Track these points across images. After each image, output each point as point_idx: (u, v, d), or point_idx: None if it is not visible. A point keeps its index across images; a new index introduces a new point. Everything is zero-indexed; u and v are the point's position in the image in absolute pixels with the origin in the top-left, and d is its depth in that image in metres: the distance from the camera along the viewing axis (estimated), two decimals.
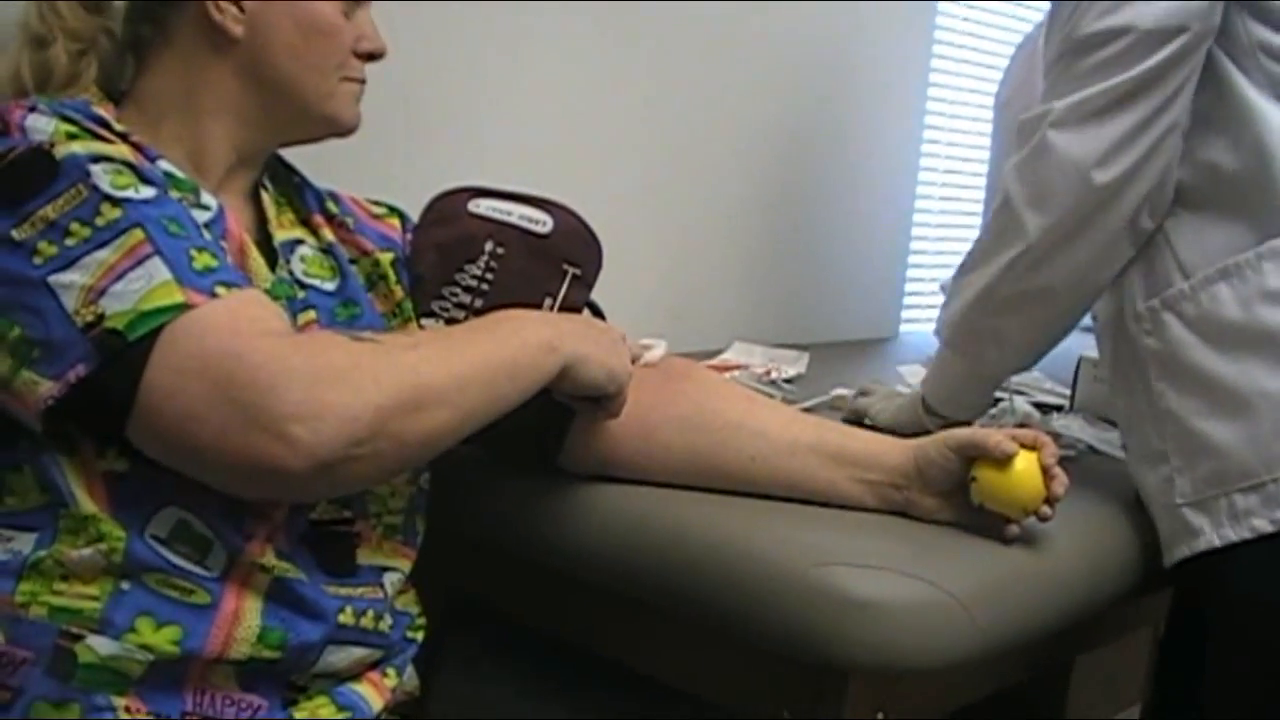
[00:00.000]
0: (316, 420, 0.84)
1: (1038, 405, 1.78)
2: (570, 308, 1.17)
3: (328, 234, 1.12)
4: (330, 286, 1.09)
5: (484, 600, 1.35)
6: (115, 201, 0.88)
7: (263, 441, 0.84)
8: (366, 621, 1.03)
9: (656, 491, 1.18)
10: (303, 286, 1.07)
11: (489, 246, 1.16)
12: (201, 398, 0.84)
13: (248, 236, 1.03)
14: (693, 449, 1.19)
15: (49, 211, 0.86)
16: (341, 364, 0.88)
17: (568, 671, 1.31)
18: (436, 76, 1.67)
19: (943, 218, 2.70)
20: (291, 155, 1.16)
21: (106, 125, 0.96)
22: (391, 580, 1.07)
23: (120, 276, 0.85)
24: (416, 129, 1.64)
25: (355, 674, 1.04)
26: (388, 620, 1.05)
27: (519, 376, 0.99)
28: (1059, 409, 1.78)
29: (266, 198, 1.10)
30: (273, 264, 1.05)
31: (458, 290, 1.16)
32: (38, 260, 0.86)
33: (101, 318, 0.85)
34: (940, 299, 2.23)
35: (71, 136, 0.92)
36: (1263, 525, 1.15)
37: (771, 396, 1.62)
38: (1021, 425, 1.52)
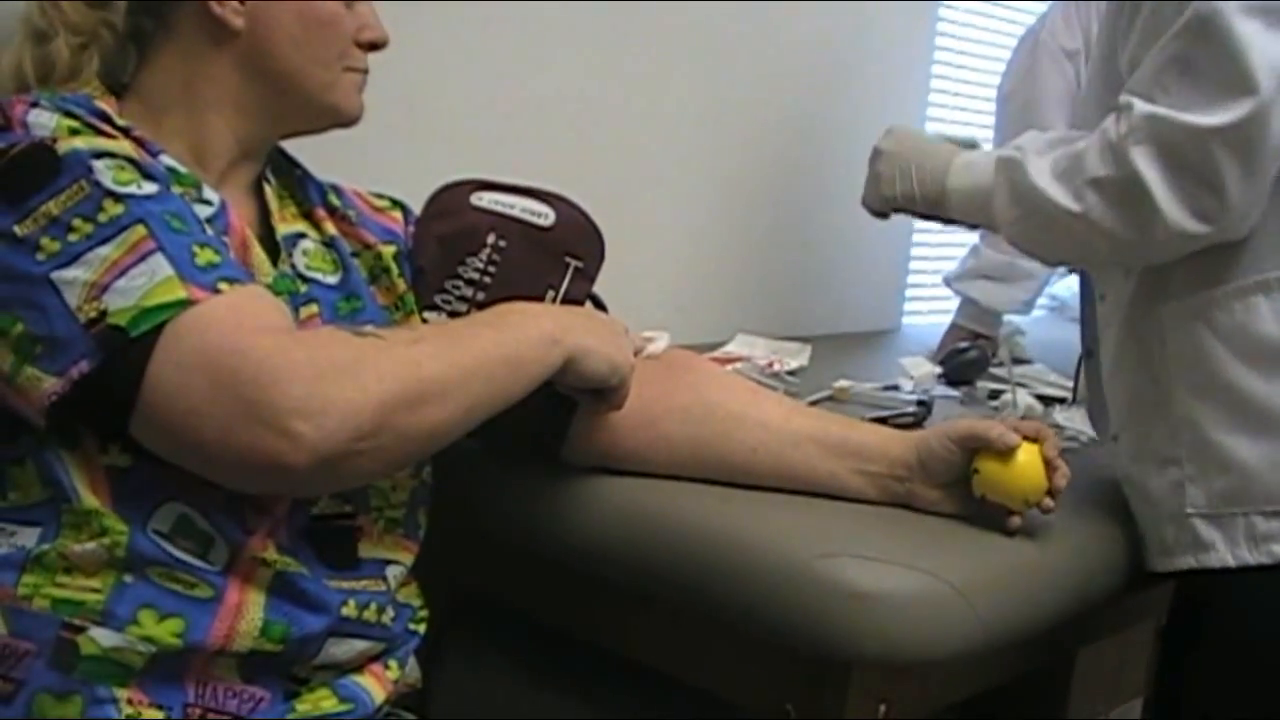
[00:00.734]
0: (319, 415, 0.84)
1: (1040, 398, 1.79)
2: (572, 300, 1.17)
3: (330, 227, 1.12)
4: (332, 280, 1.09)
5: (486, 593, 1.36)
6: (117, 197, 0.88)
7: (266, 437, 0.84)
8: (369, 614, 1.03)
9: (659, 483, 1.19)
10: (305, 280, 1.07)
11: (491, 239, 1.16)
12: (204, 393, 0.84)
13: (250, 231, 1.03)
14: (695, 441, 1.20)
15: (51, 207, 0.87)
16: (344, 359, 0.88)
17: (570, 664, 1.32)
18: (439, 69, 1.67)
19: None
20: (294, 149, 1.16)
21: (109, 120, 0.96)
22: (394, 573, 1.07)
23: (123, 273, 0.86)
24: (419, 122, 1.64)
25: (357, 666, 1.04)
26: (390, 613, 1.05)
27: (521, 369, 0.99)
28: (1061, 401, 1.78)
29: (269, 191, 1.10)
30: (275, 258, 1.05)
31: (460, 283, 1.16)
32: (40, 256, 0.86)
33: (104, 314, 0.85)
34: (943, 291, 2.24)
35: (74, 132, 0.92)
36: None
37: (774, 389, 1.62)
38: (1024, 418, 1.52)
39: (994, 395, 1.85)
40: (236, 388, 0.84)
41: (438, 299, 1.16)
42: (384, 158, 1.47)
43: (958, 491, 1.17)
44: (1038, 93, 2.00)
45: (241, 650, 0.94)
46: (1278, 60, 1.06)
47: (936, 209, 1.36)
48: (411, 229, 1.20)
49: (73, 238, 0.86)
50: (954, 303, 2.19)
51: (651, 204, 2.01)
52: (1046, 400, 1.78)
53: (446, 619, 1.23)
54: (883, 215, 1.45)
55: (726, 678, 1.15)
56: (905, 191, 1.36)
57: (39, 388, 0.86)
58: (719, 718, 1.17)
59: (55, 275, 0.85)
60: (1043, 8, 2.16)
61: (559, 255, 1.17)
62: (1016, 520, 1.14)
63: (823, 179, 2.30)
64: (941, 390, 1.85)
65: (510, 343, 0.99)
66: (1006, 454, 1.12)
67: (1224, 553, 1.15)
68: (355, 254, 1.13)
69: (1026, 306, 2.13)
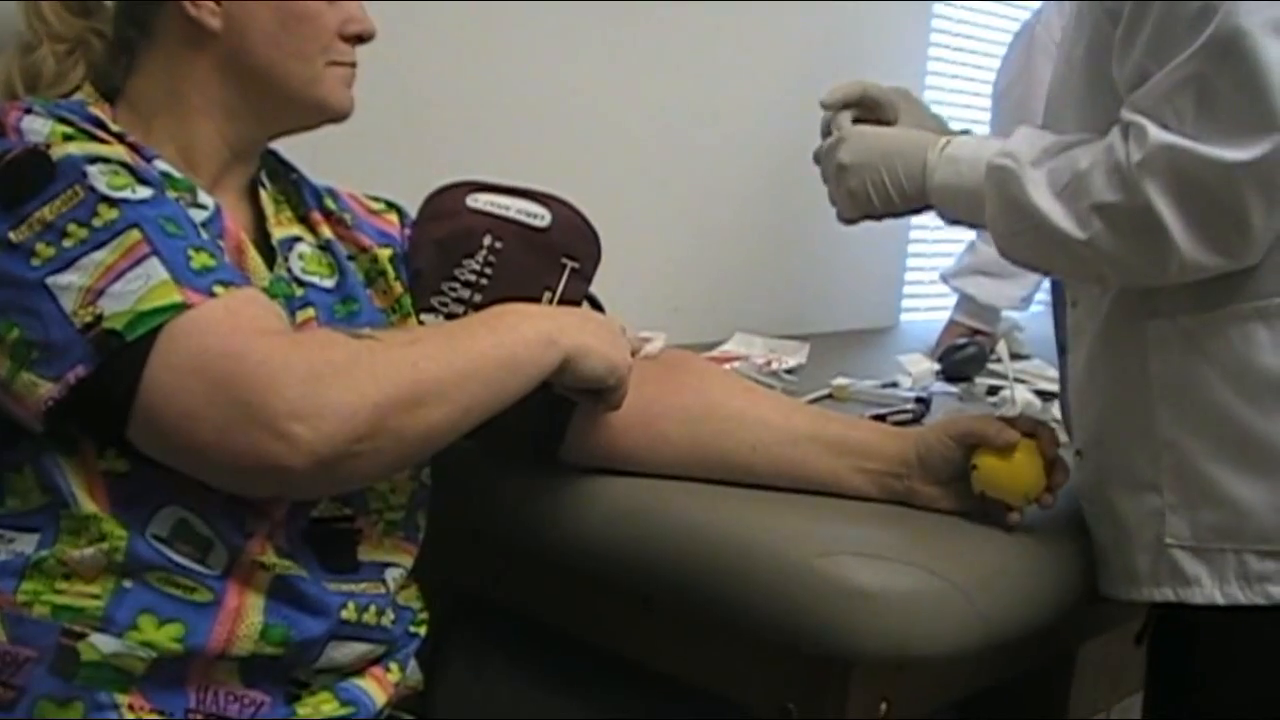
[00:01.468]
0: (316, 418, 0.84)
1: (1039, 393, 1.79)
2: (569, 301, 1.17)
3: (326, 231, 1.12)
4: (329, 284, 1.09)
5: (487, 594, 1.36)
6: (112, 202, 0.88)
7: (263, 440, 0.84)
8: (369, 617, 1.03)
9: (658, 483, 1.18)
10: (301, 284, 1.07)
11: (487, 241, 1.16)
12: (201, 397, 0.84)
13: (245, 235, 1.03)
14: (694, 440, 1.20)
15: (46, 213, 0.87)
16: (340, 361, 0.88)
17: (571, 665, 1.31)
18: (435, 70, 1.67)
19: None
20: (290, 151, 1.16)
21: (102, 126, 0.96)
22: (394, 576, 1.07)
23: (118, 277, 0.86)
24: (415, 124, 1.64)
25: (358, 669, 1.04)
26: (390, 615, 1.05)
27: (519, 370, 0.99)
28: (1059, 397, 1.77)
29: (264, 195, 1.10)
30: (271, 262, 1.05)
31: (457, 285, 1.16)
32: (35, 262, 0.86)
33: (100, 318, 0.85)
34: (940, 288, 2.24)
35: (68, 138, 0.92)
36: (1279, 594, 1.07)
37: (772, 387, 1.62)
38: (1022, 414, 1.52)
39: (993, 391, 1.85)
40: (233, 391, 0.84)
41: (434, 301, 1.16)
42: (381, 160, 1.47)
43: (957, 488, 1.17)
44: (1033, 88, 2.00)
45: (242, 654, 0.94)
46: None
47: (921, 204, 1.29)
48: (408, 232, 1.20)
49: (67, 243, 0.86)
50: (951, 299, 2.19)
51: (648, 204, 2.01)
52: (1045, 396, 1.78)
53: (447, 621, 1.23)
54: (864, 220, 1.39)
55: (727, 677, 1.14)
56: (884, 201, 1.28)
57: (36, 393, 0.86)
58: (720, 717, 1.17)
59: (50, 280, 0.85)
60: (1037, 4, 2.17)
61: (555, 256, 1.17)
62: (1016, 516, 1.14)
63: (818, 178, 2.30)
64: (940, 387, 1.85)
65: (507, 344, 0.99)
66: (1005, 450, 1.12)
67: (1211, 589, 1.10)
68: (352, 257, 1.13)
69: (1024, 302, 2.13)
